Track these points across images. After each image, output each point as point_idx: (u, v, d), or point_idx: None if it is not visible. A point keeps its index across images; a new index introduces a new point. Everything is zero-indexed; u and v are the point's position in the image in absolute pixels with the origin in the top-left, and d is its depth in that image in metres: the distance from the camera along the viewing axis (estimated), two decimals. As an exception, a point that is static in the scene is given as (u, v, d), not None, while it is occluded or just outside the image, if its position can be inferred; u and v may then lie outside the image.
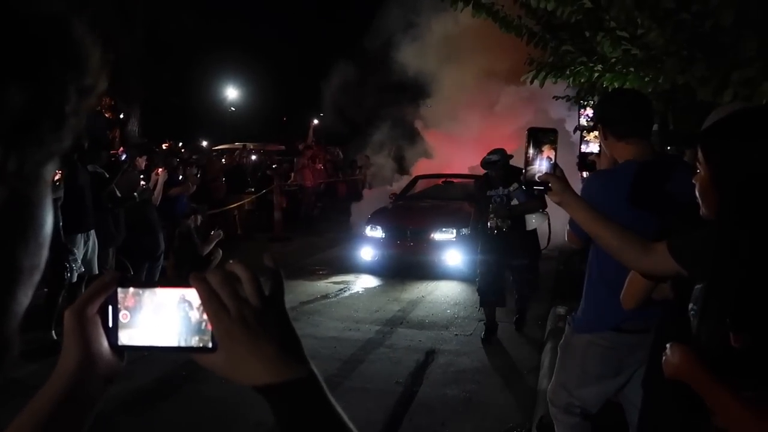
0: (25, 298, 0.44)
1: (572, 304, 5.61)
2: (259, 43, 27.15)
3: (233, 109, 33.57)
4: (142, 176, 6.37)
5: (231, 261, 0.66)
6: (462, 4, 3.94)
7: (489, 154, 5.55)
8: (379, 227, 8.58)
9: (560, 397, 2.49)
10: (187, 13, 12.15)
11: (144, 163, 6.53)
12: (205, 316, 0.65)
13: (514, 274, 5.63)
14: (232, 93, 32.47)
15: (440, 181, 10.36)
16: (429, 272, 8.07)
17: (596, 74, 3.62)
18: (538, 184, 1.75)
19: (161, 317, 0.68)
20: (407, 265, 8.26)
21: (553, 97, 7.42)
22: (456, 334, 5.77)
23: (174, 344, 0.67)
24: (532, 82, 4.00)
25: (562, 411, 2.50)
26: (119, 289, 0.67)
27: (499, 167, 5.43)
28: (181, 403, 4.21)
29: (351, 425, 0.62)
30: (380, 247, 8.46)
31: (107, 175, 5.91)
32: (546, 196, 1.76)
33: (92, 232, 5.49)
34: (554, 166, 1.73)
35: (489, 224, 5.30)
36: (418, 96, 16.50)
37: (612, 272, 2.06)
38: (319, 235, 12.32)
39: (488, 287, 5.46)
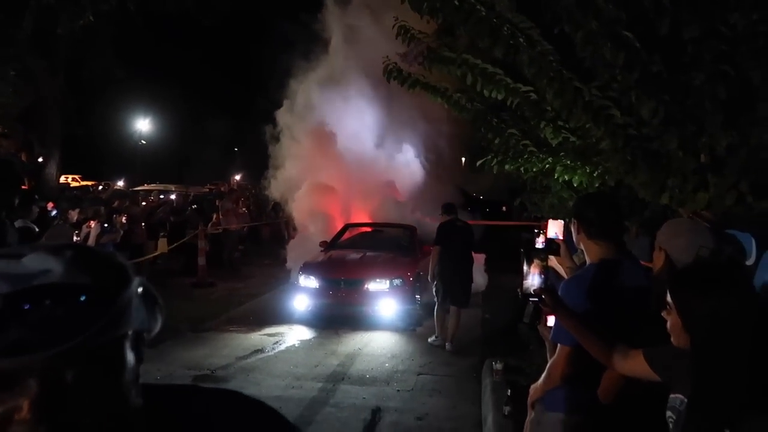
0: None
1: (506, 359, 5.99)
2: (173, 72, 26.57)
3: (143, 142, 32.50)
4: (76, 230, 6.13)
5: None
6: (418, 88, 4.28)
7: None
8: (312, 277, 8.65)
9: None
10: (109, 52, 11.82)
11: (76, 216, 6.28)
12: None
13: None
14: (143, 125, 31.49)
15: (370, 229, 10.61)
16: (363, 323, 8.23)
17: (546, 165, 4.02)
18: (533, 295, 2.03)
19: None
20: (341, 315, 8.38)
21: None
22: (398, 390, 5.93)
23: None
24: (485, 168, 4.37)
25: None
26: None
27: None
28: None
29: None
30: (314, 297, 8.53)
31: (37, 230, 5.66)
32: (540, 305, 2.03)
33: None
34: (545, 281, 2.01)
35: None
36: None
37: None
38: (243, 280, 12.14)
39: None
